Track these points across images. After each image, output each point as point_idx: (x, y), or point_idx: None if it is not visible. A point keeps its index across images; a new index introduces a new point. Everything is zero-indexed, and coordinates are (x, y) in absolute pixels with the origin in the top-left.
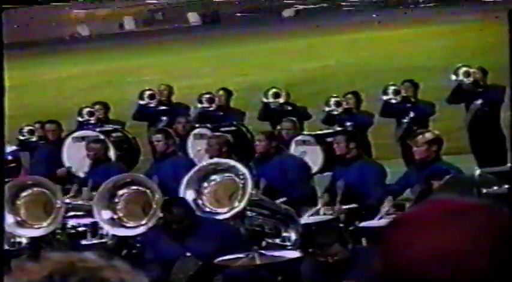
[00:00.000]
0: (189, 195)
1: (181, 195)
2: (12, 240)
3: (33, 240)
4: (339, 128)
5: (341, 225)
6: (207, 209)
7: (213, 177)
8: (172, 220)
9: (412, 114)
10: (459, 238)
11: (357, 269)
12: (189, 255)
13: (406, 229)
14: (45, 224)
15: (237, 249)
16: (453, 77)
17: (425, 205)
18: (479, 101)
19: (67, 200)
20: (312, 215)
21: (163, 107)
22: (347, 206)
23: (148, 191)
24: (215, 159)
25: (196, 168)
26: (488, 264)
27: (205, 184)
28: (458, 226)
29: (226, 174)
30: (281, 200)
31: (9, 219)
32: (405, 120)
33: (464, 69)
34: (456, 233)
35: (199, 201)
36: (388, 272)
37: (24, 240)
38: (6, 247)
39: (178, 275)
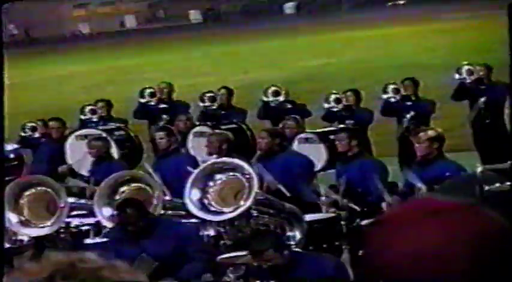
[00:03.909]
0: (194, 194)
1: (186, 194)
2: (13, 237)
3: (36, 238)
4: (338, 125)
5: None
6: (213, 208)
7: (219, 176)
8: (127, 221)
9: (412, 113)
10: (438, 239)
11: (295, 274)
12: (145, 256)
13: (386, 229)
14: (48, 223)
15: (193, 251)
16: (456, 76)
17: (407, 204)
18: (483, 99)
19: (70, 199)
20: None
21: (164, 105)
22: (349, 204)
23: (148, 187)
24: (222, 158)
25: (201, 167)
26: (468, 266)
27: (211, 183)
28: (437, 226)
29: (232, 173)
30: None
31: (13, 218)
32: (405, 119)
33: (467, 67)
34: (435, 234)
35: (205, 200)
36: (370, 272)
37: (26, 238)
38: (8, 245)
39: None
